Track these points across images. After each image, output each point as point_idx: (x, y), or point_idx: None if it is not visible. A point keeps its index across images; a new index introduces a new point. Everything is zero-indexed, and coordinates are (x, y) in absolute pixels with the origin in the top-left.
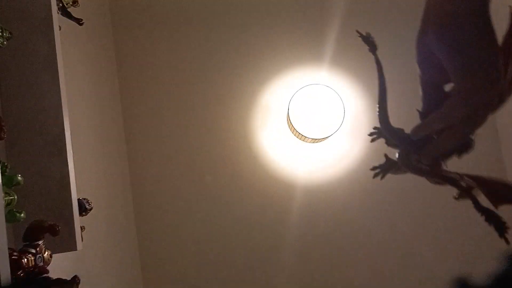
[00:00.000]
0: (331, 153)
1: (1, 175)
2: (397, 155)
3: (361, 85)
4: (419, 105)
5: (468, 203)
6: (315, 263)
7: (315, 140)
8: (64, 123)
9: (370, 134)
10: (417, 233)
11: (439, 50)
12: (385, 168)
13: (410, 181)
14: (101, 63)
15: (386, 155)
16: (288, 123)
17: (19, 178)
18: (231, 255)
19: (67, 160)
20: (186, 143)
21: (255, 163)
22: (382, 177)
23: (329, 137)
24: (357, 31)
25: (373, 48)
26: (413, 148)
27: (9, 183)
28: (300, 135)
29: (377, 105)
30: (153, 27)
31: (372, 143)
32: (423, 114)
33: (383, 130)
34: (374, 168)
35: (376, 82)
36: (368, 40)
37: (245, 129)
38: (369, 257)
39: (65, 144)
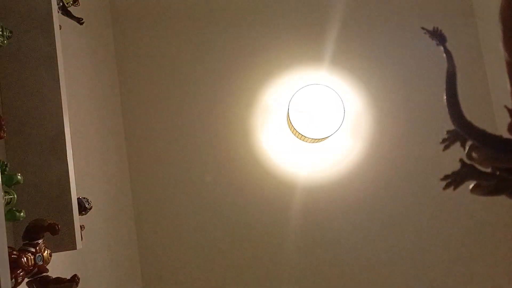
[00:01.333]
0: (331, 153)
1: (1, 174)
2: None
3: (361, 85)
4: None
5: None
6: (315, 263)
7: (315, 140)
8: (64, 122)
9: (443, 141)
10: (418, 233)
11: None
12: (461, 177)
13: (410, 181)
14: (101, 62)
15: (462, 160)
16: (288, 123)
17: (19, 177)
18: (231, 255)
19: (66, 159)
20: (186, 143)
21: (255, 163)
22: (456, 188)
23: (329, 137)
24: (423, 28)
25: (442, 40)
26: (504, 150)
27: (9, 182)
28: (300, 135)
29: (446, 99)
30: (153, 26)
31: (374, 143)
32: None
33: (460, 129)
34: (446, 177)
35: (375, 82)
36: (436, 34)
37: (245, 129)
38: (369, 256)
39: (64, 143)
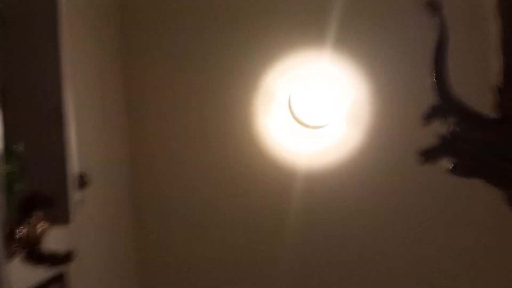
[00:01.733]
0: (333, 140)
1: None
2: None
3: (363, 72)
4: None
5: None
6: (316, 251)
7: (316, 127)
8: (64, 95)
9: (423, 115)
10: (418, 220)
11: None
12: (438, 153)
13: (413, 168)
14: (104, 40)
15: (441, 135)
16: (289, 110)
17: (19, 148)
18: (231, 242)
19: (66, 133)
20: (187, 130)
21: (256, 150)
22: (432, 163)
23: (331, 124)
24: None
25: (437, 7)
26: (489, 129)
27: (8, 154)
28: (301, 122)
29: (432, 66)
30: (156, 16)
31: (376, 130)
32: (504, 90)
33: (443, 101)
34: (424, 153)
35: (377, 69)
36: (434, 3)
37: (246, 116)
38: (370, 245)
39: (65, 117)
